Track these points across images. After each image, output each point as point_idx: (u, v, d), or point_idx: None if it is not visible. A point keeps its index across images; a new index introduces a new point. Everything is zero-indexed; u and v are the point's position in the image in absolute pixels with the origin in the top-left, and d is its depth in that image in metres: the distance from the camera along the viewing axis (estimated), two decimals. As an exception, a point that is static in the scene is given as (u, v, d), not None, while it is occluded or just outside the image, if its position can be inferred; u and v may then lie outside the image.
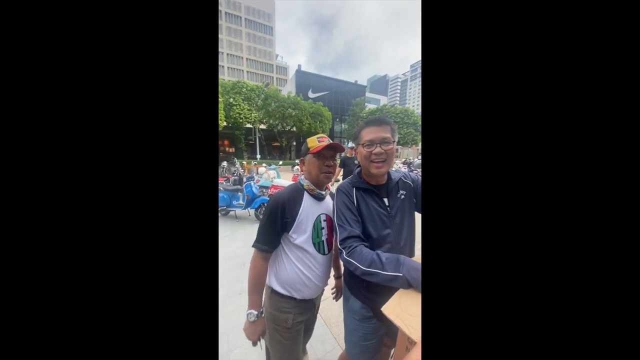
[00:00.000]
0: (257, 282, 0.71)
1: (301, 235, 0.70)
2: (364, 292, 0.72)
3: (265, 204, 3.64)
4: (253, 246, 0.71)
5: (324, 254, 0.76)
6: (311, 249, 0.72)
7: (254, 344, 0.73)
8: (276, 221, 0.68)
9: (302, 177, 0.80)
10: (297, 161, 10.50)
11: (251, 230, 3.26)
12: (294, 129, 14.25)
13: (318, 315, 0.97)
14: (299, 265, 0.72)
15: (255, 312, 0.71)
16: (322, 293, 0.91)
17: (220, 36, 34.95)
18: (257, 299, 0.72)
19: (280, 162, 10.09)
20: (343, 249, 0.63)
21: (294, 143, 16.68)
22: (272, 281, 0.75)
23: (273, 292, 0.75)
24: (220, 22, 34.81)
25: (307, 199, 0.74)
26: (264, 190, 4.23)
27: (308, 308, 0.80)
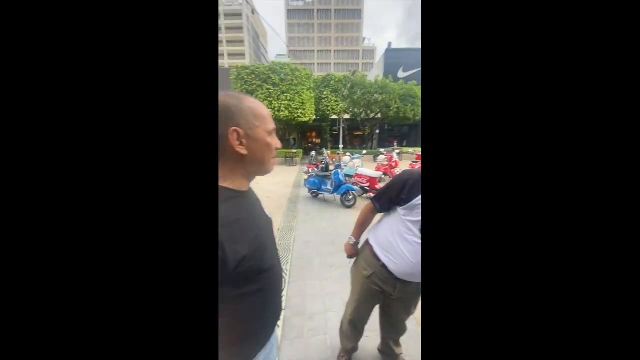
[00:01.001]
0: (360, 223, 0.93)
1: (411, 216, 0.75)
2: None
3: (350, 192, 3.84)
4: (370, 198, 0.89)
5: None
6: (417, 231, 0.75)
7: (348, 257, 0.98)
8: (392, 193, 0.79)
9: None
10: (382, 150, 9.96)
11: (337, 213, 3.55)
12: (379, 115, 13.42)
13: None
14: (396, 236, 0.79)
15: (354, 240, 0.95)
16: (414, 293, 0.87)
17: (312, 35, 38.15)
18: (357, 233, 0.95)
19: (364, 152, 9.98)
20: None
21: (377, 131, 15.75)
22: (371, 235, 0.91)
23: (368, 243, 0.90)
24: (312, 21, 37.79)
25: None
26: (348, 179, 4.41)
27: (387, 282, 0.84)
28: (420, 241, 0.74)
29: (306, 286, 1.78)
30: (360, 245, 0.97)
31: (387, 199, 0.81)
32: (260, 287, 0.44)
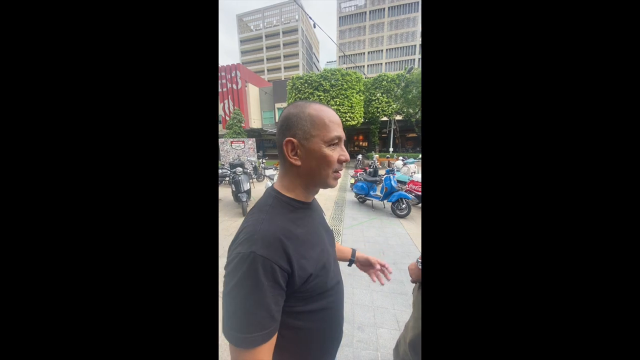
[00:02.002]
0: None
1: None
2: None
3: (404, 200, 3.51)
4: None
5: None
6: None
7: (412, 281, 0.91)
8: None
9: None
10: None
11: (387, 222, 3.33)
12: (438, 114, 11.83)
13: None
14: None
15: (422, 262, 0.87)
16: None
17: (362, 38, 37.70)
18: None
19: (420, 156, 9.03)
20: None
21: (435, 132, 13.86)
22: None
23: None
24: (364, 23, 37.37)
25: None
26: (401, 186, 4.07)
27: None
28: None
29: (354, 294, 1.74)
30: None
31: None
32: (324, 306, 0.41)
